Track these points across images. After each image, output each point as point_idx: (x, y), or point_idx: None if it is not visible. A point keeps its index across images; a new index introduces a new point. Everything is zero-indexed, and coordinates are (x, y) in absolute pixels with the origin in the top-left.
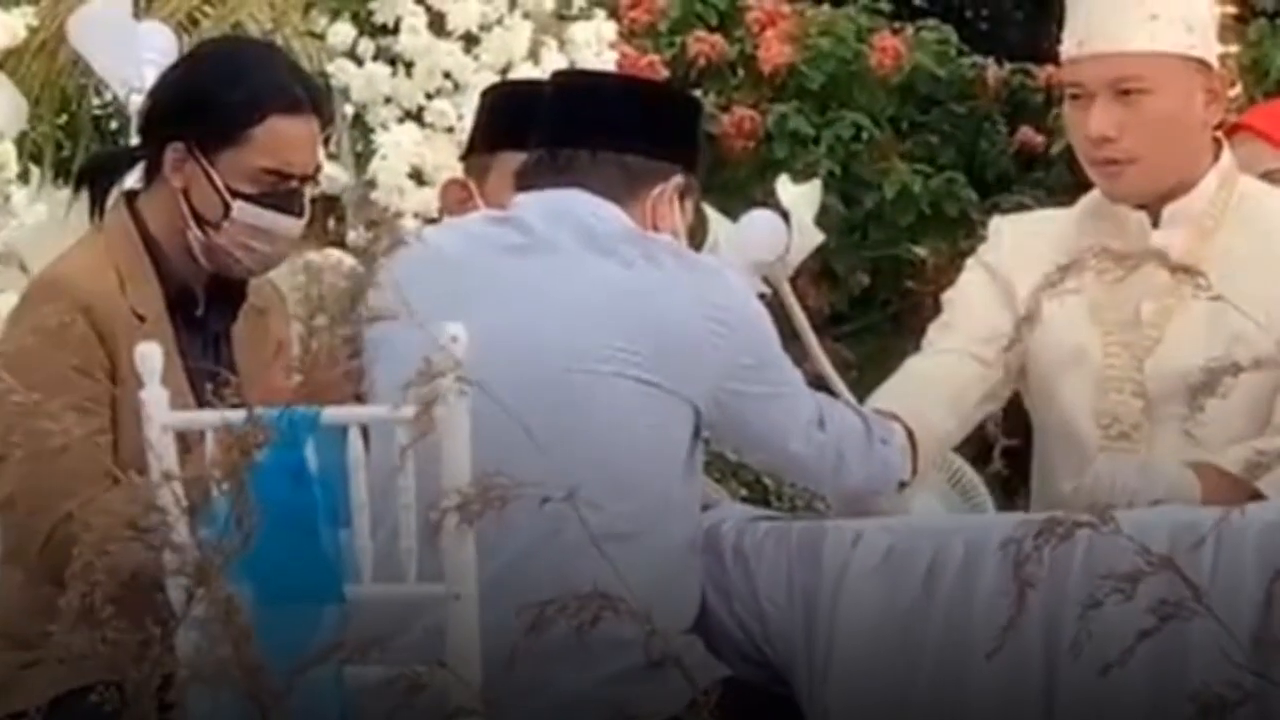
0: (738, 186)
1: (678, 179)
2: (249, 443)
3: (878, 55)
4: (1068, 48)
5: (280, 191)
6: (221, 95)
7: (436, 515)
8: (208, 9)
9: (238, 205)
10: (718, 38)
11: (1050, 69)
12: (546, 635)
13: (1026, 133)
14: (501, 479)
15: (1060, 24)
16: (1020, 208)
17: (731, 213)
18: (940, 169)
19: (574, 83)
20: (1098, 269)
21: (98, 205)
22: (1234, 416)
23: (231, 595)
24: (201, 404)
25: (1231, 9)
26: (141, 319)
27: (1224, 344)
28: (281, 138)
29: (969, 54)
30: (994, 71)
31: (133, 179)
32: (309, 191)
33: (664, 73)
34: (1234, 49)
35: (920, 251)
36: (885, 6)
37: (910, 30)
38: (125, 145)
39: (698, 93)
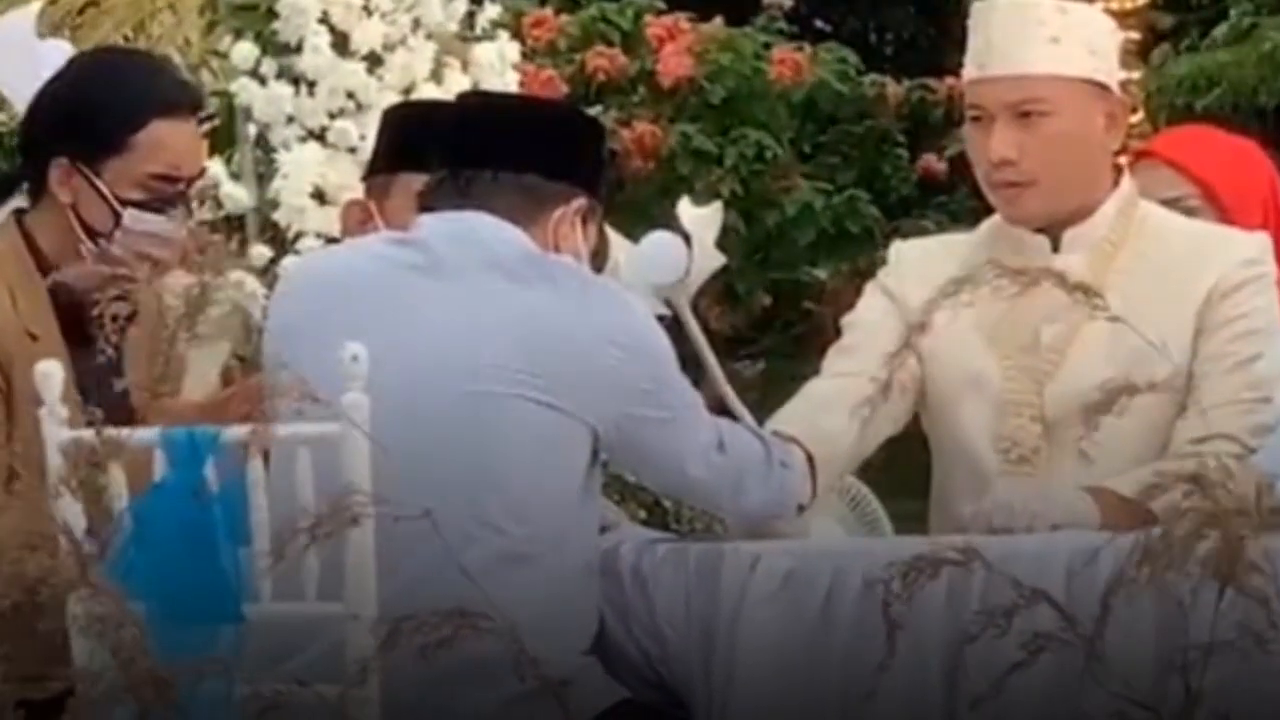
0: (639, 206)
1: (580, 201)
2: (100, 457)
3: (777, 68)
4: (969, 70)
5: (168, 195)
6: (101, 105)
7: (288, 535)
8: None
9: (128, 214)
10: (617, 53)
11: (950, 81)
12: (449, 655)
13: (929, 159)
14: (358, 497)
15: (960, 42)
16: (922, 231)
17: (633, 233)
18: (842, 189)
19: (477, 104)
20: (993, 284)
21: None
22: (1133, 441)
23: (132, 612)
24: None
25: (1134, 35)
26: (34, 337)
27: (1124, 368)
28: (165, 141)
29: (867, 73)
30: (894, 89)
31: (20, 199)
32: (193, 193)
33: (563, 89)
34: (1136, 74)
35: (820, 274)
36: (786, 28)
37: (810, 49)
38: (5, 168)
39: (598, 109)
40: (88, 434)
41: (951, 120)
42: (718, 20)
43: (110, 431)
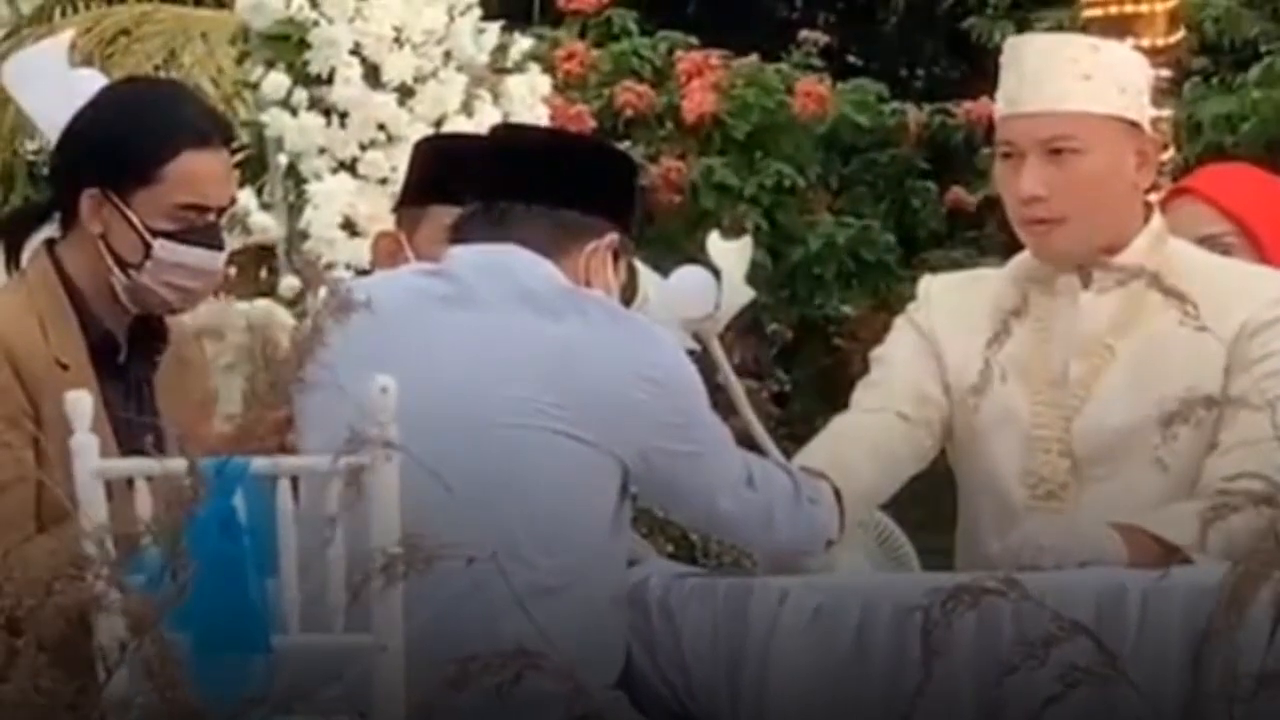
0: (667, 240)
1: (611, 236)
2: (186, 496)
3: (802, 101)
4: (1000, 106)
5: (199, 226)
6: (132, 136)
7: (361, 576)
8: (160, 68)
9: (158, 244)
10: (645, 88)
11: (968, 105)
12: (469, 690)
13: (957, 193)
14: (426, 539)
15: (986, 73)
16: (951, 263)
17: (661, 267)
18: (861, 217)
19: (511, 137)
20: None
21: (13, 259)
22: (1164, 479)
23: (166, 643)
24: (125, 452)
25: (1166, 72)
26: (65, 367)
27: (1153, 404)
28: (195, 172)
29: (888, 100)
30: (915, 115)
31: (51, 228)
32: (225, 223)
33: (591, 124)
34: (1168, 112)
35: (846, 308)
36: (817, 62)
37: (830, 81)
38: (37, 198)
39: (625, 144)
40: (118, 463)
41: (972, 146)
42: (753, 57)
43: (141, 462)
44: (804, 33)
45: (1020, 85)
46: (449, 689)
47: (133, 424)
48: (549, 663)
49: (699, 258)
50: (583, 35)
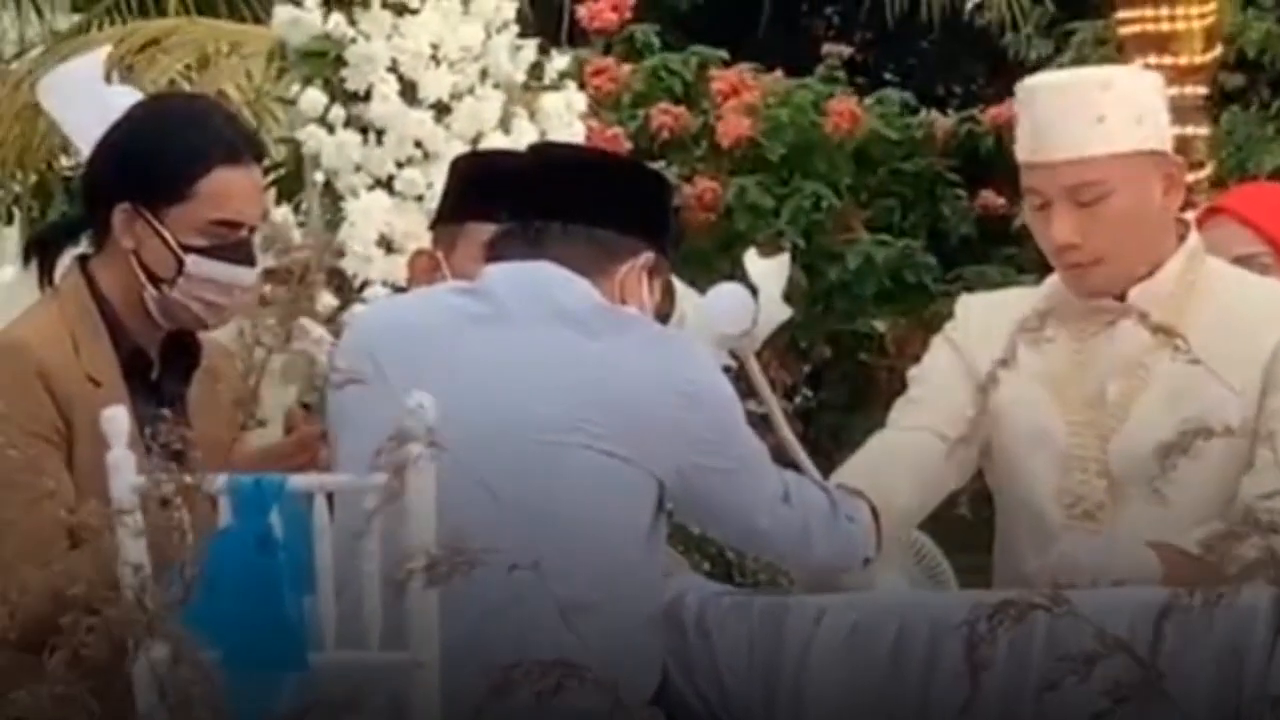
0: (702, 259)
1: (647, 255)
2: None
3: (834, 120)
4: (1020, 152)
5: (231, 242)
6: (164, 152)
7: (402, 574)
8: (192, 76)
9: (190, 260)
10: (681, 109)
11: (993, 111)
12: (507, 705)
13: (987, 196)
14: (463, 550)
15: (982, 64)
16: (985, 280)
17: (697, 285)
18: (903, 235)
19: (548, 156)
20: (1074, 323)
21: (47, 274)
22: (1200, 498)
23: (194, 651)
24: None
25: (1203, 89)
26: (97, 383)
27: (1189, 423)
28: (228, 188)
29: (914, 109)
30: (942, 123)
31: (84, 244)
32: (257, 240)
33: (628, 145)
34: (1204, 130)
35: (879, 325)
36: (844, 76)
37: (859, 97)
38: (72, 214)
39: (661, 164)
40: (154, 479)
41: (1002, 147)
42: (778, 73)
43: (177, 477)
44: (827, 47)
45: (1036, 134)
46: (493, 696)
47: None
48: (590, 674)
49: (735, 276)
50: (607, 52)
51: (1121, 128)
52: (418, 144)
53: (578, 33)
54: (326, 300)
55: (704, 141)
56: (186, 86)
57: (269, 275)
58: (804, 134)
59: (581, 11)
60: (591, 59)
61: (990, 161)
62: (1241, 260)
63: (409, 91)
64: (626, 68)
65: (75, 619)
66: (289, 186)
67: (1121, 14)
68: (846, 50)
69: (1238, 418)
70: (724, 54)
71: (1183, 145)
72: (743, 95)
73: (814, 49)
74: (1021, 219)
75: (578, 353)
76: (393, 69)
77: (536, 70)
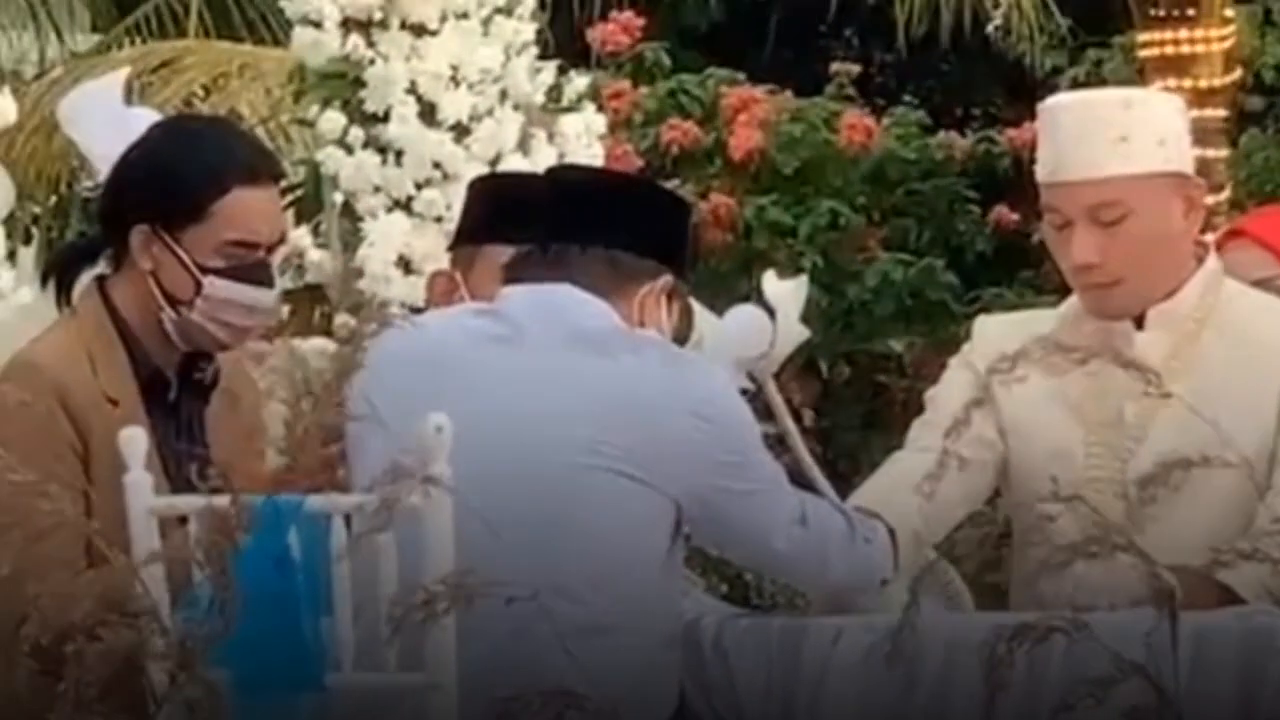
0: (721, 280)
1: (665, 278)
2: (232, 526)
3: (848, 134)
4: (1041, 173)
5: (249, 263)
6: (182, 173)
7: (401, 611)
8: (205, 94)
9: (208, 281)
10: (691, 125)
11: (1011, 133)
12: None
13: (1001, 211)
14: (472, 575)
15: (1023, 99)
16: (1002, 302)
17: (714, 305)
18: (918, 254)
19: (569, 178)
20: (1045, 361)
21: (65, 295)
22: (1219, 519)
23: (212, 680)
24: (176, 489)
25: (1223, 111)
26: (114, 403)
27: (1207, 445)
28: (246, 209)
29: (933, 130)
30: (960, 144)
31: (102, 265)
32: (276, 261)
33: (638, 163)
34: (1224, 152)
35: (897, 346)
36: (854, 94)
37: (874, 116)
38: (90, 234)
39: (674, 182)
40: (172, 500)
41: (1020, 169)
42: (787, 93)
43: (194, 499)
44: (836, 65)
45: (1057, 154)
46: None
47: (183, 460)
48: (591, 703)
49: (751, 298)
50: (633, 80)
51: (1143, 149)
52: (436, 165)
53: (586, 54)
54: (344, 321)
55: (717, 158)
56: (202, 107)
57: (286, 295)
58: (817, 149)
59: (592, 34)
60: (607, 81)
61: (1007, 182)
62: (1260, 283)
63: (428, 113)
64: (642, 90)
65: (81, 645)
66: (308, 208)
67: (1142, 37)
68: (855, 69)
69: (1254, 440)
70: (741, 76)
71: (1203, 168)
72: (752, 110)
73: (826, 70)
74: (1039, 236)
75: (595, 375)
76: (411, 90)
77: (555, 92)
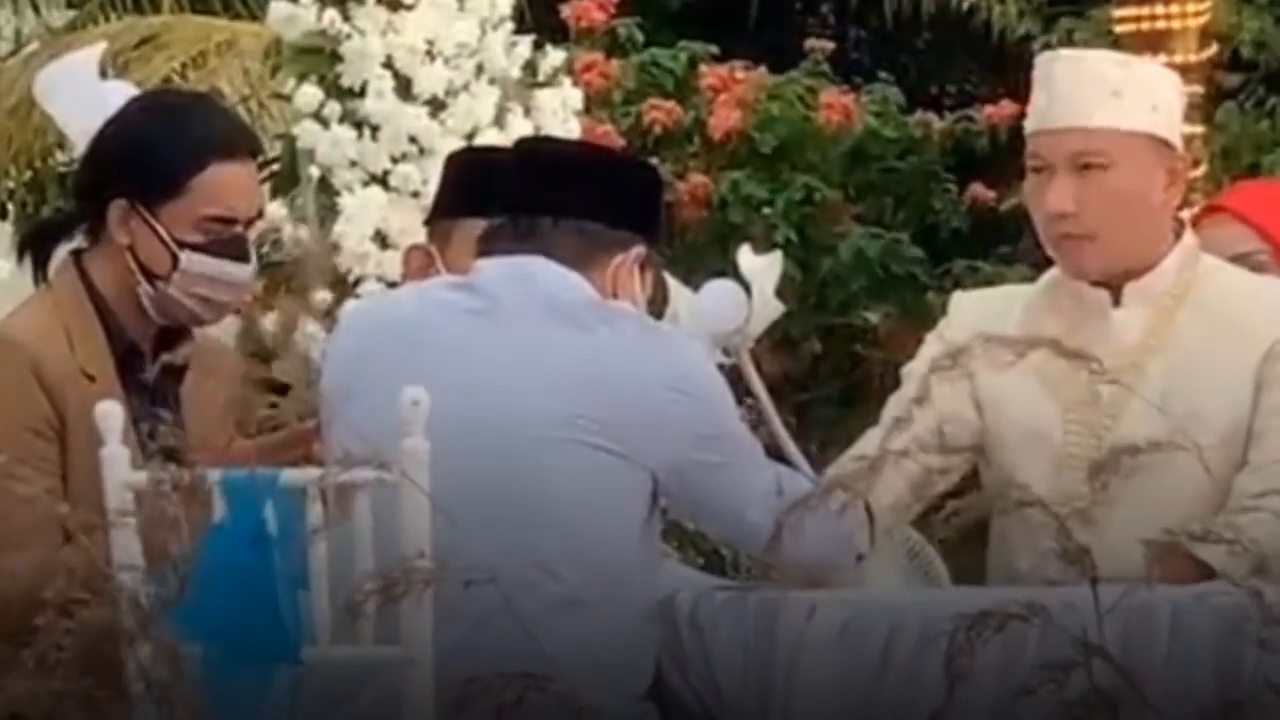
0: (696, 254)
1: (638, 249)
2: (199, 497)
3: (826, 113)
4: (1030, 122)
5: (226, 238)
6: (159, 148)
7: (359, 597)
8: (184, 70)
9: (185, 256)
10: (673, 105)
11: (989, 110)
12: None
13: (976, 189)
14: (425, 562)
15: (1004, 79)
16: (975, 275)
17: (691, 281)
18: (893, 229)
19: (538, 150)
20: (986, 357)
21: (41, 270)
22: (1195, 496)
23: (176, 646)
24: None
25: (1199, 88)
26: (91, 378)
27: (1180, 423)
28: (223, 184)
29: (910, 109)
30: (938, 124)
31: (78, 239)
32: (253, 236)
33: (620, 143)
34: (1200, 129)
35: (872, 317)
36: (830, 71)
37: (853, 94)
38: (67, 209)
39: (654, 160)
40: (147, 474)
41: (997, 146)
42: (762, 69)
43: (172, 472)
44: (810, 42)
45: (1050, 101)
46: (452, 713)
47: (158, 434)
48: (553, 685)
49: (728, 273)
50: (608, 53)
51: (1135, 107)
52: (413, 139)
53: (562, 30)
54: (321, 296)
55: (696, 137)
56: (181, 83)
57: (264, 270)
58: (795, 127)
59: (566, 11)
60: (580, 55)
61: (984, 160)
62: (1238, 259)
63: (404, 87)
64: (615, 63)
65: (53, 618)
66: (284, 182)
67: (1117, 12)
68: (829, 45)
69: (1229, 417)
70: (714, 49)
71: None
72: (733, 89)
73: (801, 46)
74: (1007, 205)
75: (570, 347)
76: (388, 65)
77: (531, 66)
